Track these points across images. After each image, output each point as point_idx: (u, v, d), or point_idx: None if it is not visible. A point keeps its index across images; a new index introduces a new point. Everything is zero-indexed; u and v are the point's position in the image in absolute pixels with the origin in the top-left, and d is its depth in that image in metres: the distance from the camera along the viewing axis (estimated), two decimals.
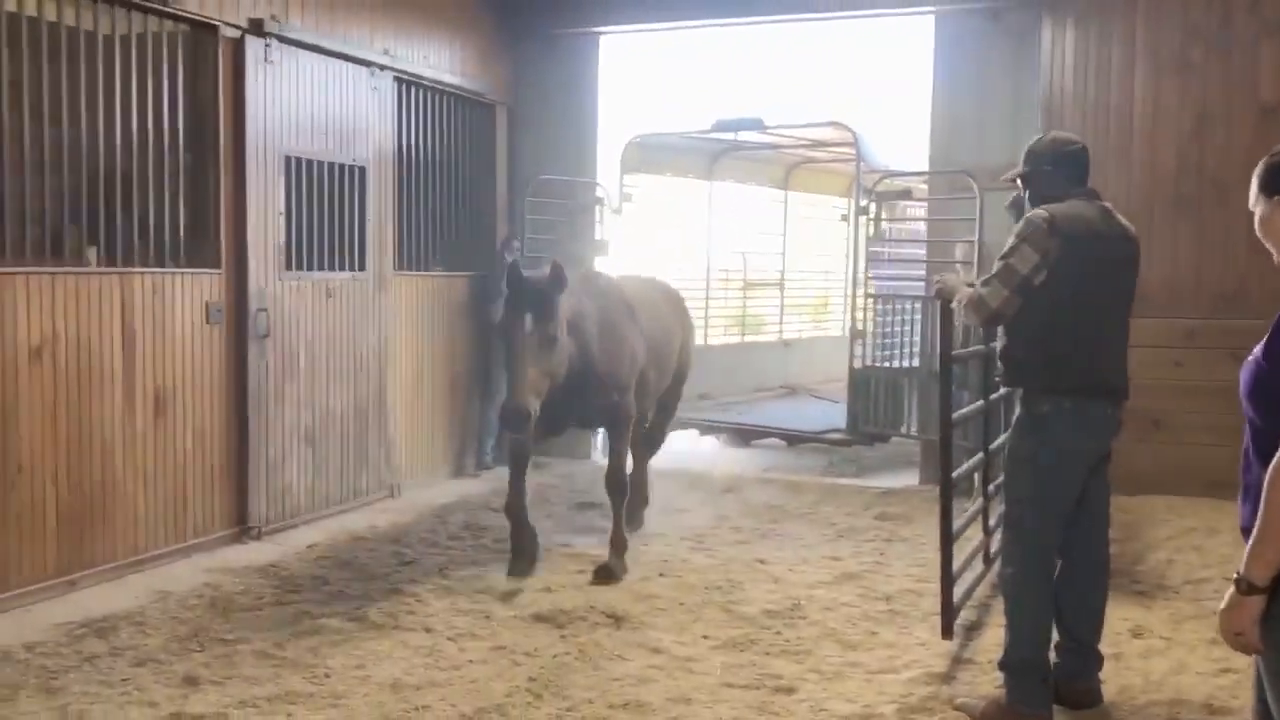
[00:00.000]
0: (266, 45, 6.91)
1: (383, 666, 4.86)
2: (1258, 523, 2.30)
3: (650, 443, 7.79)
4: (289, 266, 7.21)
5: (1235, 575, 2.34)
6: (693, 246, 13.62)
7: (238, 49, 6.75)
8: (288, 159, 7.17)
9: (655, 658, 5.04)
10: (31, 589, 5.59)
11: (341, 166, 7.71)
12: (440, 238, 9.02)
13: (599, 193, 9.78)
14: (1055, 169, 4.41)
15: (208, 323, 6.64)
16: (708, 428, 10.56)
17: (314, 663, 4.88)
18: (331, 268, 7.66)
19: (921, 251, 9.06)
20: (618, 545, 6.44)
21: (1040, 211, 4.23)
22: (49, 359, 5.70)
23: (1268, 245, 2.59)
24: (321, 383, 7.56)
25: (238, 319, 6.84)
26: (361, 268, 7.92)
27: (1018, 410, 4.45)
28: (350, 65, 7.74)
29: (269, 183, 7.02)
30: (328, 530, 7.23)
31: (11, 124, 5.61)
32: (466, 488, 8.59)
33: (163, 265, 6.40)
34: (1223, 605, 2.37)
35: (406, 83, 8.43)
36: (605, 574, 6.20)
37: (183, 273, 6.51)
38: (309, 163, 7.39)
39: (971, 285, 4.57)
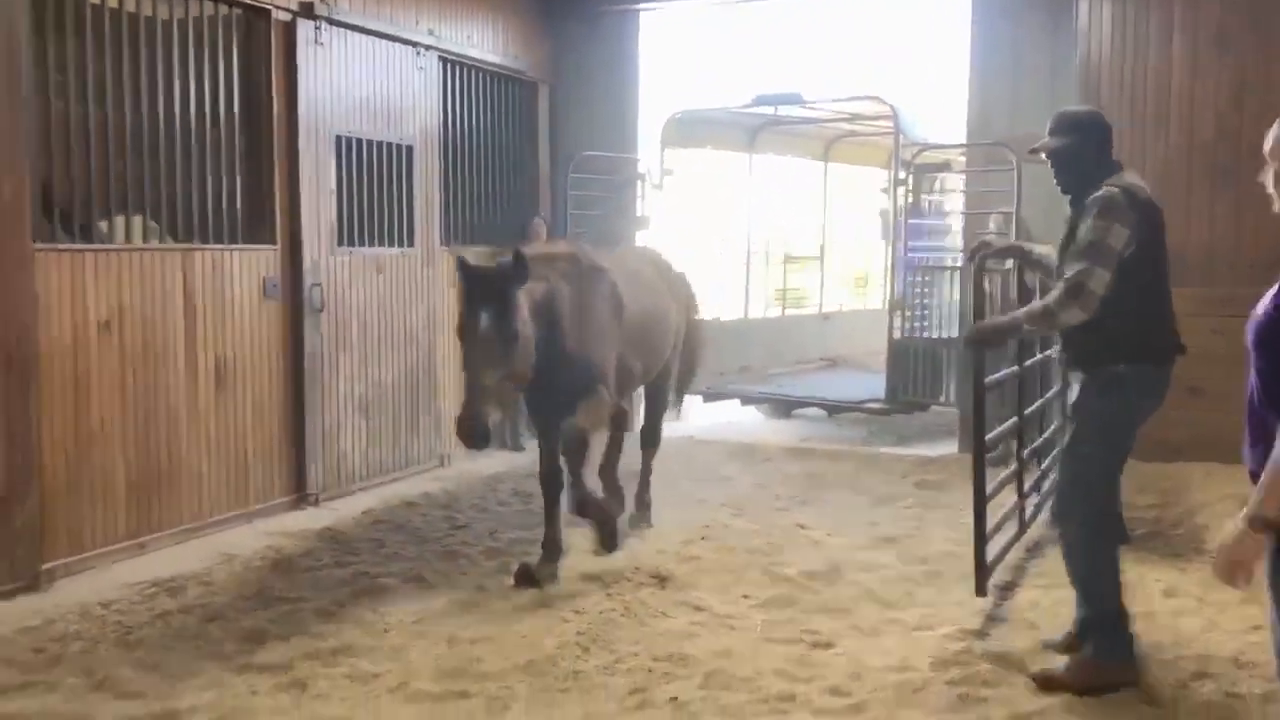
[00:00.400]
0: (317, 28, 7.15)
1: (438, 622, 5.11)
2: (1272, 460, 2.44)
3: (649, 439, 7.10)
4: (340, 242, 7.47)
5: (1248, 514, 2.48)
6: (734, 220, 13.76)
7: (289, 31, 6.99)
8: (338, 138, 7.42)
9: (698, 615, 5.23)
10: (105, 551, 5.90)
11: (389, 145, 7.94)
12: (485, 214, 9.24)
13: (640, 168, 9.95)
14: (1105, 141, 4.51)
15: (265, 297, 6.91)
16: (749, 399, 10.73)
17: (373, 619, 5.14)
18: (381, 243, 7.90)
19: (959, 223, 9.14)
20: (550, 549, 5.82)
21: (1112, 188, 4.30)
22: (117, 333, 5.99)
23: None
24: (374, 354, 7.82)
25: (293, 293, 7.11)
26: (410, 243, 8.16)
27: (1080, 374, 4.55)
28: (397, 46, 7.96)
29: (320, 162, 7.27)
30: (382, 496, 7.51)
31: (77, 108, 5.88)
32: (514, 458, 8.83)
33: (221, 242, 6.67)
34: (1227, 540, 2.52)
35: (451, 62, 8.64)
36: (525, 577, 5.64)
37: (240, 249, 6.78)
38: (358, 142, 7.63)
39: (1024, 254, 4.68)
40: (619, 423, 6.79)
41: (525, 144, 9.76)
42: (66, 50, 5.81)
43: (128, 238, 6.20)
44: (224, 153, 6.73)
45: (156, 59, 6.29)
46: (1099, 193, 4.32)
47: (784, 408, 10.69)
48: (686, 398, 7.71)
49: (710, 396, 10.54)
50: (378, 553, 6.22)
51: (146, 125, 6.25)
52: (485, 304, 5.06)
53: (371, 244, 7.81)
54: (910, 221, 9.60)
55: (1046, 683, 4.36)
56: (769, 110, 11.66)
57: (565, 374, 5.63)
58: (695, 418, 10.48)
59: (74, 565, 5.70)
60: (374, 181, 7.82)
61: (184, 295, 6.37)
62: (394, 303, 8.01)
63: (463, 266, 5.21)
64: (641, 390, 7.22)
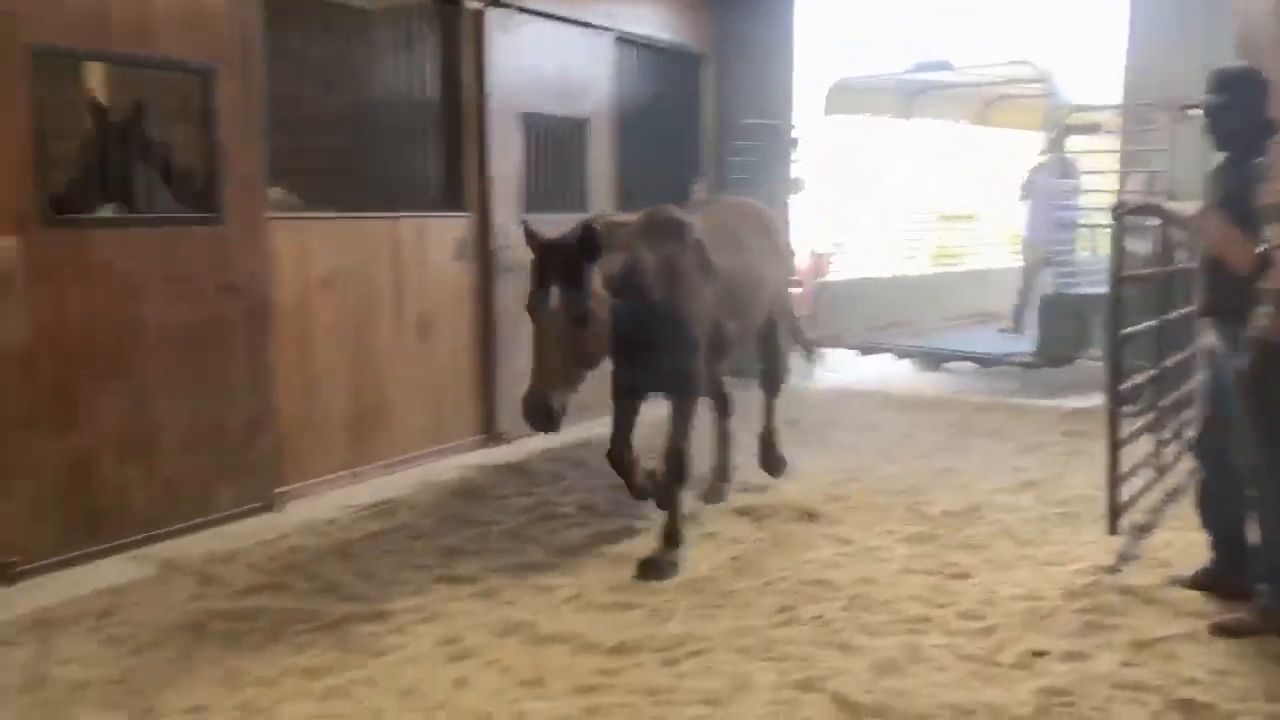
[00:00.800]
0: (505, 15, 7.86)
1: (610, 544, 5.78)
2: None
3: (768, 385, 6.94)
4: (525, 209, 8.23)
5: None
6: (890, 183, 14.04)
7: (480, 20, 7.71)
8: (523, 115, 8.15)
9: (844, 547, 5.69)
10: (327, 478, 6.80)
11: (568, 120, 8.64)
12: (652, 181, 9.87)
13: (796, 134, 10.40)
14: (1262, 98, 4.33)
15: (460, 259, 7.74)
16: (902, 353, 11.07)
17: (553, 540, 5.84)
18: (561, 209, 8.64)
19: (1111, 183, 9.28)
20: (670, 538, 5.47)
21: None
22: (336, 289, 6.85)
23: None
24: None
25: (484, 255, 7.91)
26: (586, 209, 8.87)
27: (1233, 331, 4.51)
28: (577, 29, 8.61)
29: (508, 137, 8.02)
30: (563, 437, 8.20)
31: (299, 91, 6.77)
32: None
33: (424, 210, 7.51)
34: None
35: (624, 41, 9.25)
36: (651, 570, 5.28)
37: (439, 217, 7.61)
38: (541, 117, 8.35)
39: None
40: (723, 406, 6.71)
41: (689, 114, 10.33)
42: (288, 38, 6.67)
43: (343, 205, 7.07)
44: (426, 131, 7.56)
45: (367, 48, 7.13)
46: None
47: (935, 361, 10.96)
48: (821, 350, 7.60)
49: (865, 350, 10.94)
50: (556, 485, 6.94)
51: (358, 105, 7.11)
52: (554, 278, 4.76)
53: (553, 210, 8.55)
54: (1061, 180, 9.77)
55: (1225, 629, 4.49)
56: (924, 77, 11.91)
57: (648, 349, 5.37)
58: (848, 370, 10.92)
59: (302, 490, 6.58)
60: (554, 154, 8.53)
61: (392, 257, 7.22)
62: None
63: (530, 237, 4.94)
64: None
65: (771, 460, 6.90)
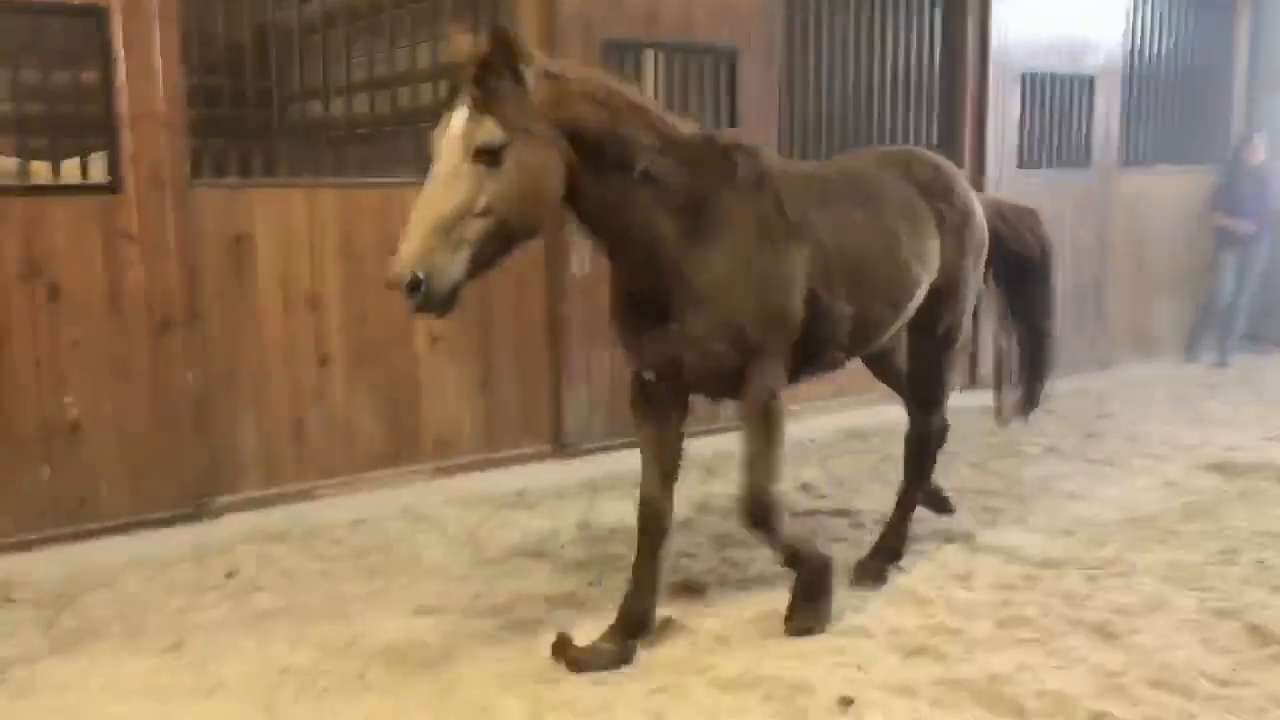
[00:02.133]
0: None
1: (1060, 483, 6.20)
2: None
3: (918, 394, 5.01)
4: (1020, 165, 8.59)
5: None
6: None
7: None
8: (1023, 75, 8.50)
9: None
10: (815, 403, 7.72)
11: (1070, 78, 8.82)
12: (1167, 137, 9.68)
13: None
14: None
15: None
16: None
17: (1014, 472, 6.40)
18: (1056, 165, 8.87)
19: None
20: (813, 595, 4.20)
21: None
22: None
23: None
24: None
25: None
26: (1085, 165, 9.01)
27: None
28: None
29: (1006, 97, 8.44)
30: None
31: (819, 62, 7.72)
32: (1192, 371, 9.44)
33: None
34: None
35: None
36: (802, 626, 4.17)
37: None
38: (1041, 76, 8.63)
39: None
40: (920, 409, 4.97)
41: (1216, 65, 9.93)
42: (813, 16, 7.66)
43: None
44: (924, 94, 8.22)
45: (873, 18, 7.93)
46: None
47: None
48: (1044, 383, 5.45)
49: None
50: (1027, 428, 7.33)
51: (863, 71, 7.94)
52: (462, 96, 3.38)
53: (1048, 165, 8.82)
54: None
55: None
56: None
57: (681, 344, 3.83)
58: None
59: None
60: (1053, 111, 8.77)
61: None
62: (1066, 220, 8.95)
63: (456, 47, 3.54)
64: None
65: (876, 568, 4.85)
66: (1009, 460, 6.67)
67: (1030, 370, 5.37)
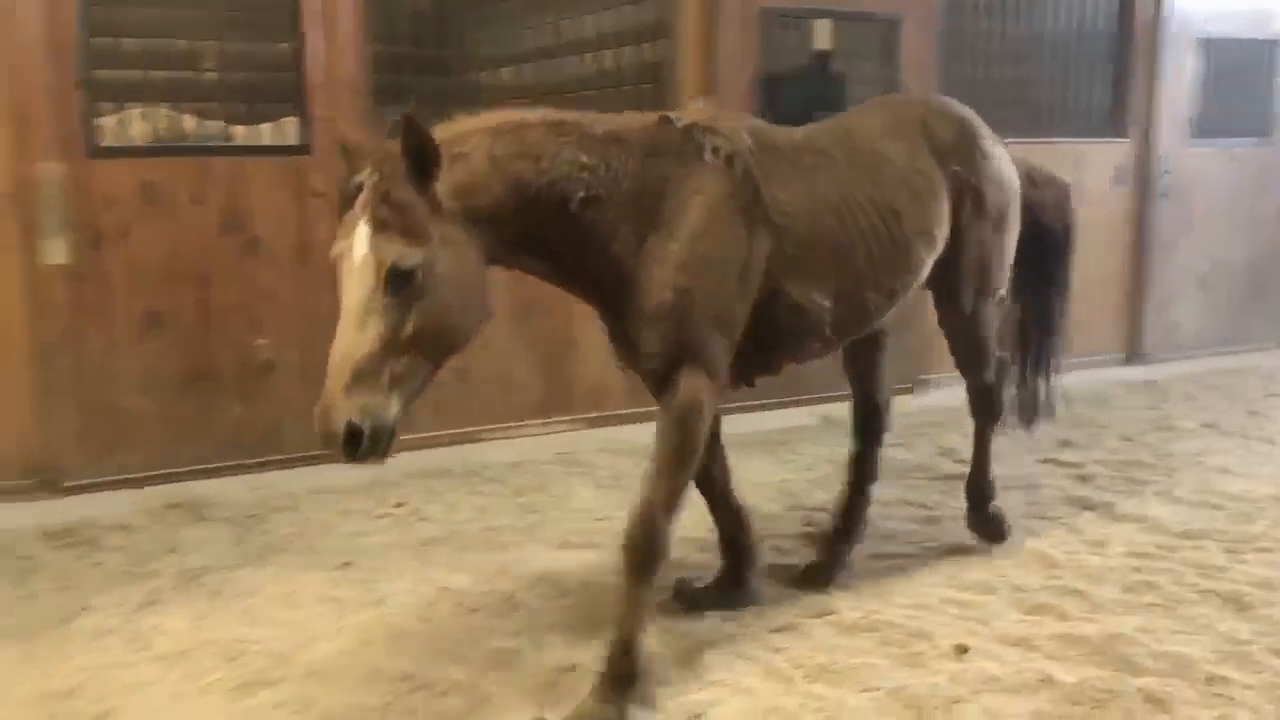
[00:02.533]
0: None
1: (1213, 458, 6.08)
2: None
3: (979, 406, 4.75)
4: (1194, 135, 8.31)
5: None
6: None
7: None
8: (1199, 40, 8.21)
9: None
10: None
11: (1251, 42, 8.47)
12: None
13: None
14: None
15: (1114, 184, 8.13)
16: None
17: (1163, 446, 6.29)
18: (1236, 135, 8.54)
19: None
20: (624, 630, 3.45)
21: None
22: None
23: None
24: (1219, 237, 8.59)
25: (1142, 181, 8.20)
26: (1267, 134, 8.64)
27: None
28: None
29: (1181, 61, 8.17)
30: (1213, 366, 8.28)
31: (981, 26, 7.66)
32: None
33: (1081, 136, 8.02)
34: None
35: None
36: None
37: (1098, 142, 8.07)
38: (1219, 41, 8.31)
39: None
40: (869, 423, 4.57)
41: None
42: None
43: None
44: (1094, 60, 8.04)
45: None
46: None
47: None
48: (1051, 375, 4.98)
49: None
50: (1187, 404, 7.31)
51: (1031, 37, 7.82)
52: (364, 211, 2.93)
53: (1227, 136, 8.49)
54: None
55: None
56: None
57: (623, 340, 3.56)
58: None
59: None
60: (1233, 78, 8.43)
61: None
62: (1243, 191, 8.62)
63: (343, 153, 3.13)
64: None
65: (984, 519, 4.79)
66: (1161, 434, 6.57)
67: (1035, 364, 4.92)
